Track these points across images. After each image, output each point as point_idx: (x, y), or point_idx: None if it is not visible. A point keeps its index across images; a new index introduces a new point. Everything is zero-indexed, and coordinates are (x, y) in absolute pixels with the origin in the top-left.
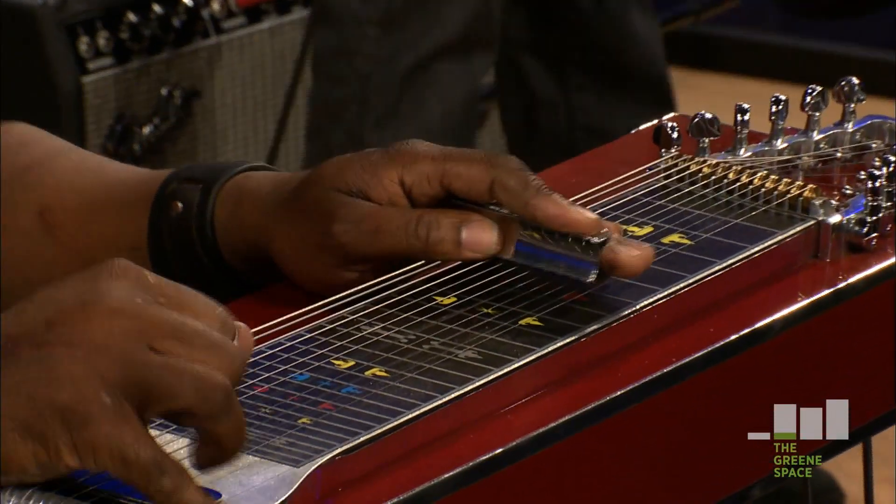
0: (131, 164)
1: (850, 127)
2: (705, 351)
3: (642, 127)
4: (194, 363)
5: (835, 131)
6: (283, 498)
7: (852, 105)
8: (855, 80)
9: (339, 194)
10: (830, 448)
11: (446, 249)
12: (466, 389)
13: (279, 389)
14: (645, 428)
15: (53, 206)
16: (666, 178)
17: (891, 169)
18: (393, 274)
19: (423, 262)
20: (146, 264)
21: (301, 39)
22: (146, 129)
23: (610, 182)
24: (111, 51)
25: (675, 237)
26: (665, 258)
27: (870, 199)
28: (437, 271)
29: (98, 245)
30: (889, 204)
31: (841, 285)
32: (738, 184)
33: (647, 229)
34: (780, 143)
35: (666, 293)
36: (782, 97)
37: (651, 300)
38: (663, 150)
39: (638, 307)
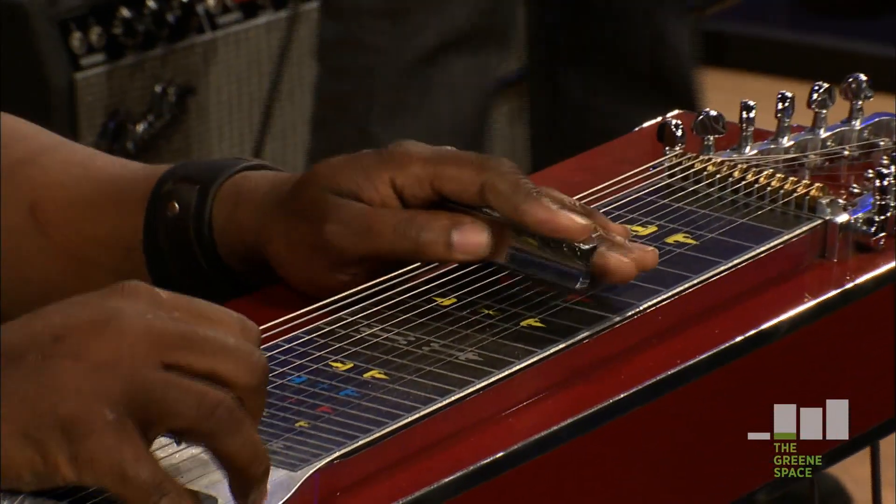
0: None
1: (857, 124)
2: (710, 353)
3: (646, 125)
4: (211, 370)
5: (842, 129)
6: (280, 503)
7: (860, 102)
8: (862, 77)
9: (333, 196)
10: (838, 452)
11: (437, 251)
12: (467, 392)
13: (276, 392)
14: (649, 431)
15: (44, 203)
16: (670, 176)
17: None
18: (392, 275)
19: (420, 263)
20: (141, 264)
21: (285, 34)
22: (140, 127)
23: (613, 181)
24: (104, 47)
25: (679, 237)
26: (669, 258)
27: (878, 197)
28: (437, 272)
29: (91, 244)
30: None
31: (848, 286)
32: (744, 182)
33: (651, 229)
34: (786, 141)
35: (670, 294)
36: (788, 94)
37: (655, 301)
38: (667, 148)
39: (641, 308)
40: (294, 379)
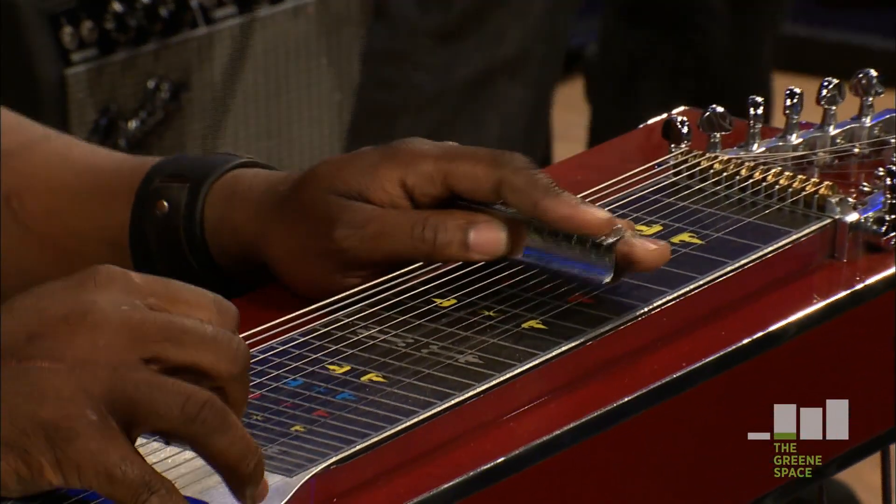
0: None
1: (867, 121)
2: (717, 355)
3: (651, 121)
4: (192, 362)
5: (852, 126)
6: None
7: (870, 98)
8: (873, 73)
9: (338, 197)
10: (848, 457)
11: (454, 252)
12: (467, 395)
13: (271, 396)
14: (654, 436)
15: (21, 192)
16: (675, 174)
17: None
18: (390, 276)
19: (420, 263)
20: (127, 261)
21: (239, 40)
22: (132, 124)
23: (617, 179)
24: (95, 42)
25: (685, 236)
26: (675, 258)
27: (888, 196)
28: (437, 272)
29: (72, 237)
30: None
31: (858, 287)
32: (751, 181)
33: (656, 228)
34: (794, 139)
35: (676, 295)
36: (797, 90)
37: (660, 302)
38: (673, 145)
39: (646, 309)
40: (289, 382)
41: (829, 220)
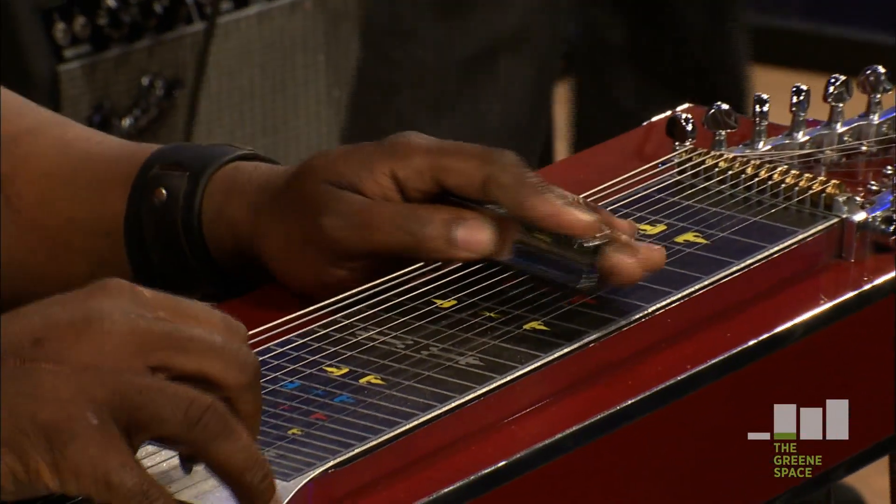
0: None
1: (875, 119)
2: (722, 357)
3: (655, 119)
4: (200, 371)
5: (859, 123)
6: None
7: (878, 95)
8: (881, 69)
9: (330, 187)
10: (855, 461)
11: (438, 247)
12: (467, 398)
13: (268, 398)
14: (658, 439)
15: (12, 175)
16: (680, 173)
17: None
18: (389, 276)
19: (420, 263)
20: (121, 252)
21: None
22: (126, 122)
23: (621, 177)
24: (89, 38)
25: (689, 236)
26: (679, 258)
27: None
28: (436, 273)
29: (66, 225)
30: None
31: (866, 287)
32: (757, 179)
33: (660, 228)
34: (801, 136)
35: (680, 296)
36: (804, 87)
37: (664, 303)
38: (677, 143)
39: (650, 311)
40: (287, 385)
41: (836, 220)
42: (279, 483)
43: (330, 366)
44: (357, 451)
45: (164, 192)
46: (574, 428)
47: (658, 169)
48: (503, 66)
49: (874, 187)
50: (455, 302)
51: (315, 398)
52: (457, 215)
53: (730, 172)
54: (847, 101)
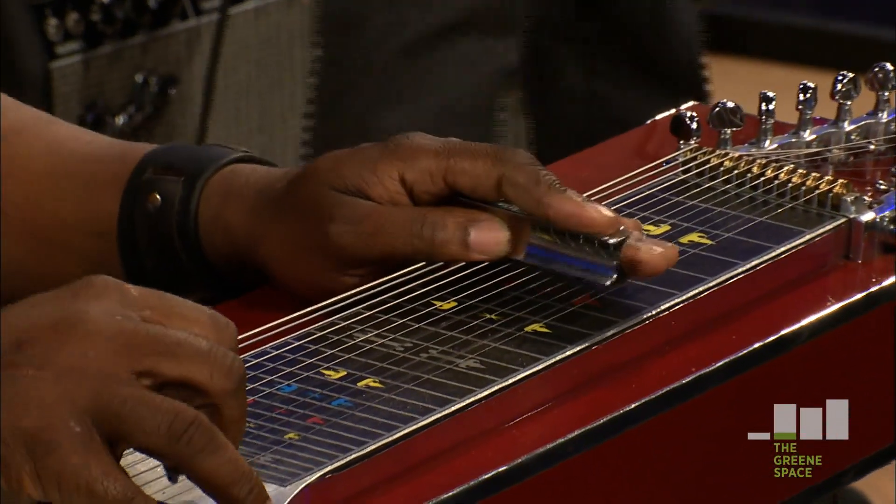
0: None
1: (883, 117)
2: (728, 360)
3: (659, 117)
4: (185, 377)
5: (867, 121)
6: None
7: (886, 93)
8: (889, 66)
9: (335, 192)
10: (863, 466)
11: (453, 251)
12: (468, 402)
13: (264, 402)
14: (662, 444)
15: (4, 176)
16: (684, 172)
17: None
18: (388, 277)
19: (420, 263)
20: (114, 254)
21: (214, 36)
22: (119, 119)
23: (624, 177)
24: (81, 34)
25: (694, 237)
26: (684, 259)
27: None
28: (436, 273)
29: (54, 226)
30: None
31: (874, 289)
32: (763, 178)
33: (664, 228)
34: (808, 135)
35: (685, 297)
36: (810, 84)
37: (669, 305)
38: (682, 141)
39: (654, 312)
40: (283, 388)
41: (843, 220)
42: (275, 488)
43: (327, 368)
44: (355, 455)
45: (158, 197)
46: (576, 432)
47: (662, 168)
48: (452, 48)
49: (882, 187)
50: (455, 303)
51: (312, 401)
52: (470, 217)
53: (735, 171)
54: (855, 99)
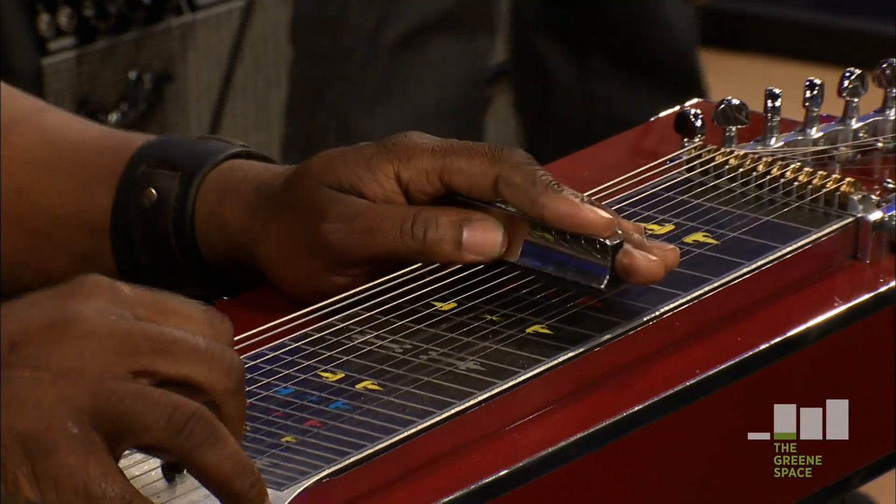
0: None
1: (891, 114)
2: (733, 362)
3: (663, 114)
4: (183, 375)
5: (875, 119)
6: None
7: (894, 90)
8: None
9: (330, 190)
10: (871, 470)
11: (446, 251)
12: (468, 405)
13: (261, 405)
14: (666, 447)
15: None
16: (689, 170)
17: None
18: (387, 277)
19: (419, 264)
20: (106, 249)
21: (239, 23)
22: (113, 117)
23: (626, 175)
24: (74, 30)
25: (698, 236)
26: (688, 259)
27: None
28: (436, 274)
29: (46, 220)
30: None
31: (882, 289)
32: (769, 177)
33: (668, 227)
34: (814, 132)
35: (689, 298)
36: (817, 81)
37: (672, 306)
38: (686, 139)
39: (658, 313)
40: (280, 390)
41: (851, 219)
42: (272, 493)
43: (325, 371)
44: (353, 459)
45: (153, 192)
46: (579, 435)
47: (666, 166)
48: (434, 48)
49: (891, 185)
50: (455, 304)
51: (309, 404)
52: (464, 216)
53: (740, 170)
54: (862, 96)
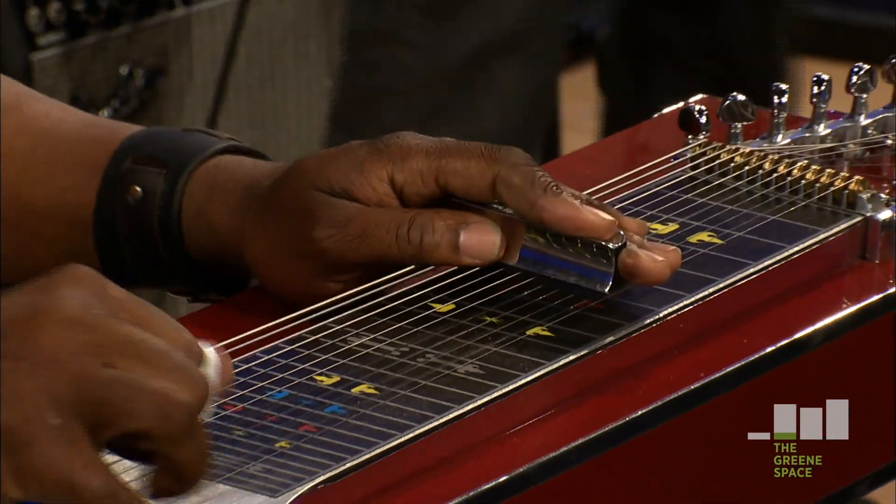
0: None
1: None
2: (738, 364)
3: (666, 110)
4: (156, 387)
5: (884, 115)
6: None
7: None
8: None
9: (321, 194)
10: (878, 476)
11: (442, 255)
12: (467, 409)
13: (255, 409)
14: (669, 452)
15: None
16: (693, 168)
17: None
18: (384, 278)
19: (409, 266)
20: (89, 243)
21: (234, 18)
22: (104, 113)
23: (629, 173)
24: (64, 24)
25: (703, 236)
26: (692, 259)
27: None
28: (434, 275)
29: (27, 211)
30: None
31: (892, 290)
32: (775, 175)
33: (672, 227)
34: (822, 129)
35: (693, 299)
36: (825, 77)
37: (676, 307)
38: (690, 136)
39: (661, 315)
40: (274, 394)
41: (859, 218)
42: (266, 499)
43: (320, 374)
44: (349, 465)
45: (139, 189)
46: (580, 440)
47: (670, 164)
48: (498, 70)
49: None
50: (454, 306)
51: (304, 409)
52: (460, 219)
53: (746, 168)
54: (871, 92)
